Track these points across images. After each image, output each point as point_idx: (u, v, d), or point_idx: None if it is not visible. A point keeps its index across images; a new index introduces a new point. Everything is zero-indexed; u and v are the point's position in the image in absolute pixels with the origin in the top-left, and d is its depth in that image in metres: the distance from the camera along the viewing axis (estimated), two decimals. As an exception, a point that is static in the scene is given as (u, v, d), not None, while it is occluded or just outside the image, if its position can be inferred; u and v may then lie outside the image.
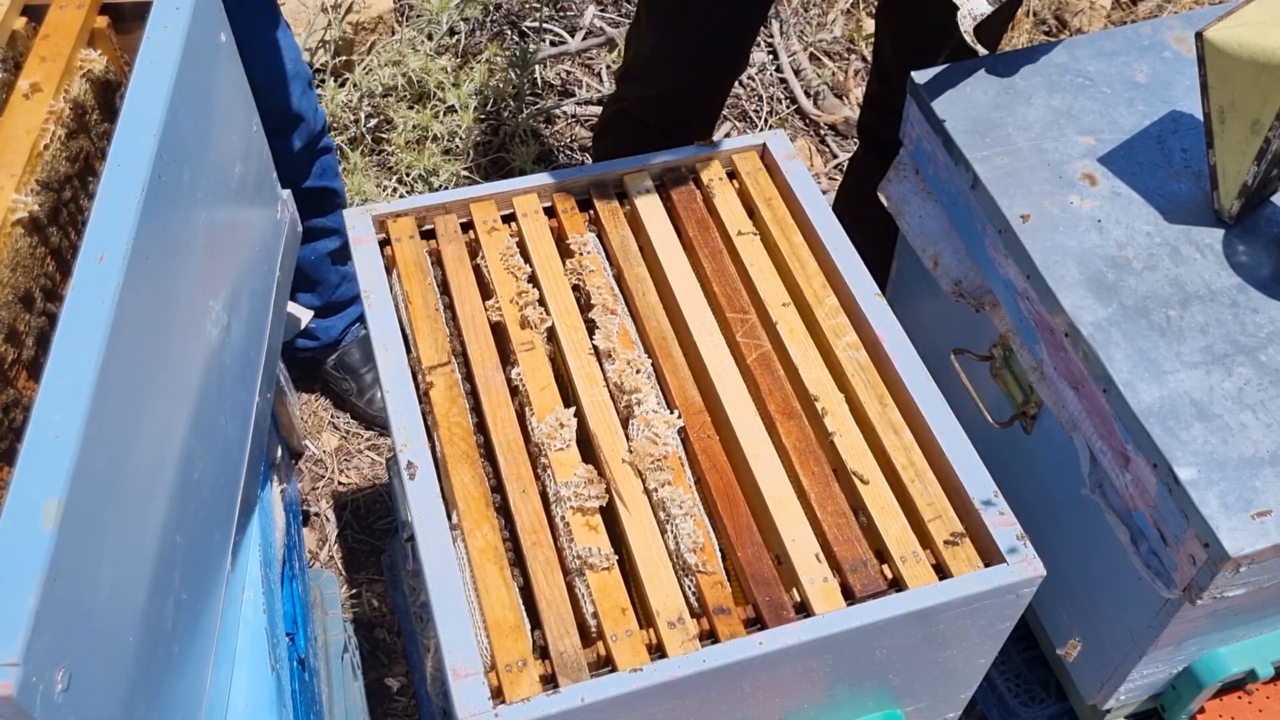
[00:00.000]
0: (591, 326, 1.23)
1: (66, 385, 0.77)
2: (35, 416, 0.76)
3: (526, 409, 1.16)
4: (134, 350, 0.86)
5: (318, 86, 2.45)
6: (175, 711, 0.90)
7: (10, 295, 0.95)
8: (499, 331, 1.22)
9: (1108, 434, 1.21)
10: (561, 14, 2.76)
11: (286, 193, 1.32)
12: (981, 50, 1.32)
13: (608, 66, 2.65)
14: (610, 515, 1.09)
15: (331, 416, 2.10)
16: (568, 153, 2.50)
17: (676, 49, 1.61)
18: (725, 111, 2.58)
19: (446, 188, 2.31)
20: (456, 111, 2.40)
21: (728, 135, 2.52)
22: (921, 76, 1.46)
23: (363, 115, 2.38)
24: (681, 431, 1.15)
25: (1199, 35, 1.23)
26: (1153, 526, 1.17)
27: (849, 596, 1.04)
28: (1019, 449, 1.42)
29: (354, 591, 1.89)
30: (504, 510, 1.09)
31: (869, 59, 2.78)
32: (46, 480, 0.72)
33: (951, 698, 1.23)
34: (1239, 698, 1.35)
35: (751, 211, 1.36)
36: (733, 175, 1.40)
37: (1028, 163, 1.37)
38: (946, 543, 1.08)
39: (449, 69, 2.49)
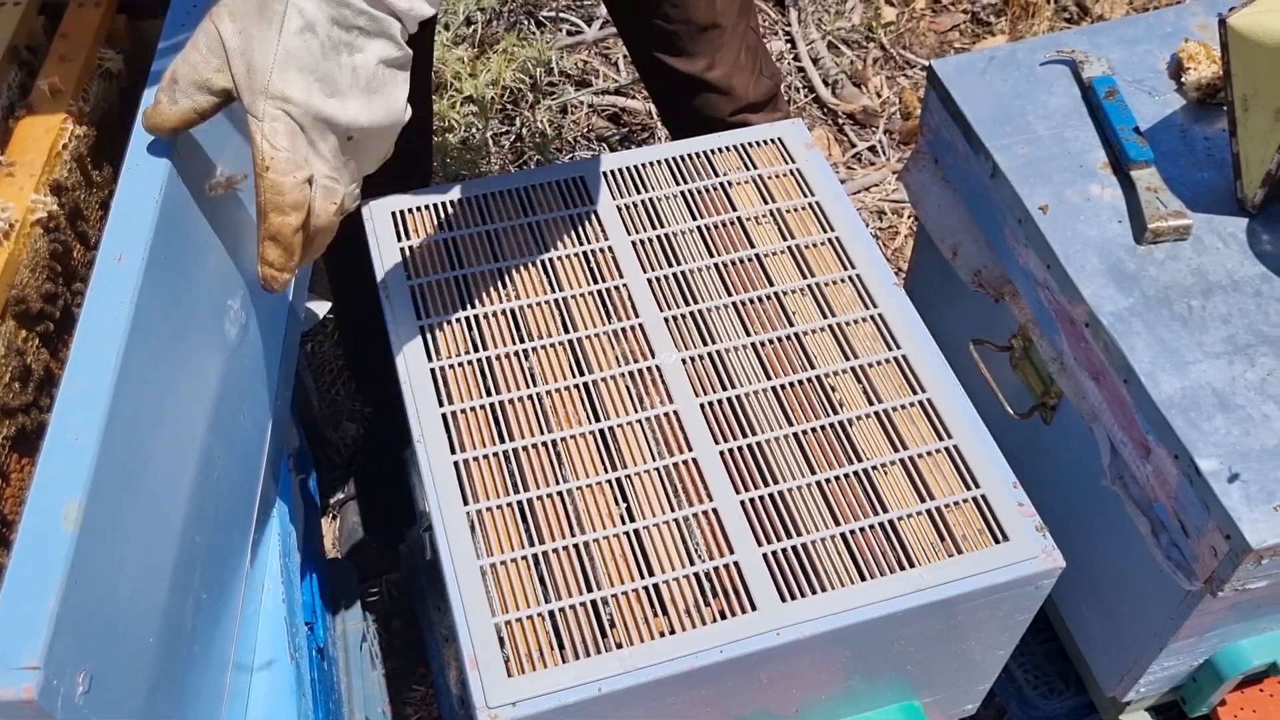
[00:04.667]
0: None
1: (85, 387, 0.77)
2: (54, 418, 0.76)
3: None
4: (153, 351, 0.86)
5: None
6: (196, 708, 0.91)
7: (33, 294, 0.95)
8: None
9: (1128, 425, 1.20)
10: (578, 3, 2.75)
11: (304, 188, 1.32)
12: None
13: (624, 55, 2.64)
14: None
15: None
16: (584, 142, 2.50)
17: None
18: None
19: (465, 178, 2.31)
20: (474, 102, 2.39)
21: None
22: (941, 65, 1.44)
23: (380, 105, 2.38)
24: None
25: (1222, 21, 1.21)
26: (1174, 518, 1.16)
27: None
28: (1038, 440, 1.41)
29: (373, 582, 1.90)
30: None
31: (887, 47, 2.77)
32: (66, 482, 0.72)
33: (970, 689, 1.23)
34: (1261, 691, 1.34)
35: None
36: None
37: (1048, 151, 1.36)
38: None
39: (466, 59, 2.49)
